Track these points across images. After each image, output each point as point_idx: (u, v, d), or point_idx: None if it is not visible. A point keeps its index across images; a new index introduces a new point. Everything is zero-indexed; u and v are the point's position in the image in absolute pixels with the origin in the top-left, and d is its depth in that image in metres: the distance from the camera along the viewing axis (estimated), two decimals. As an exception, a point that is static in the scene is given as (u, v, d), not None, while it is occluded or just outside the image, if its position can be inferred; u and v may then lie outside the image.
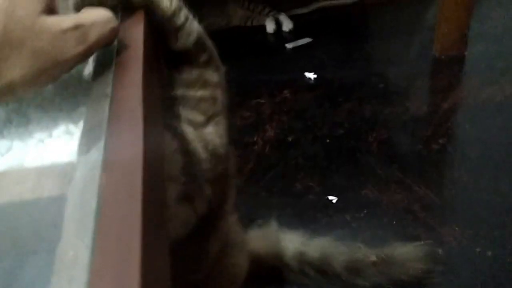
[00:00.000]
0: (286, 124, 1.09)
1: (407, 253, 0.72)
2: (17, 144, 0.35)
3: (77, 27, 0.36)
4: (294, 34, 1.62)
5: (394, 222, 0.79)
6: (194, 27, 0.50)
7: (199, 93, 0.51)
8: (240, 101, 1.23)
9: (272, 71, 1.41)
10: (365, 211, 0.81)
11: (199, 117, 0.51)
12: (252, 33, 1.69)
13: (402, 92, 1.19)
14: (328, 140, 1.01)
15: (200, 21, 0.51)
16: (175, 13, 0.47)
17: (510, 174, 0.87)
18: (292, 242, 0.73)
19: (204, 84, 0.51)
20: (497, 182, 0.86)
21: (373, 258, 0.70)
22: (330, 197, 0.84)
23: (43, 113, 0.38)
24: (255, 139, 1.06)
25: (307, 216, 0.81)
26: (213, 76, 0.52)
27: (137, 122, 0.27)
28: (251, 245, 0.69)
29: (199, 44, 0.50)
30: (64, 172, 0.27)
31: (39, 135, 0.35)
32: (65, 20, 0.36)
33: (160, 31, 0.47)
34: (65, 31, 0.35)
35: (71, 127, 0.36)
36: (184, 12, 0.49)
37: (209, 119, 0.52)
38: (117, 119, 0.28)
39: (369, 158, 0.94)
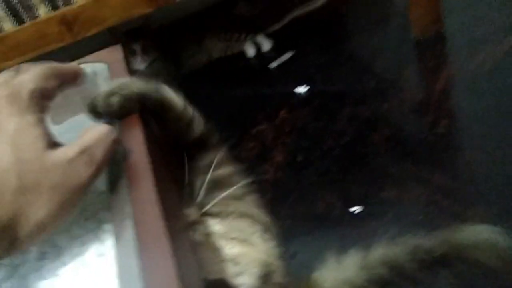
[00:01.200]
0: (292, 145, 1.11)
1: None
2: (56, 283, 0.36)
3: (82, 152, 0.38)
4: (275, 52, 1.64)
5: (421, 218, 0.80)
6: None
7: (221, 171, 0.53)
8: (241, 133, 1.24)
9: (263, 94, 1.43)
10: (390, 214, 0.82)
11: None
12: (234, 61, 1.71)
13: (394, 84, 1.20)
14: (336, 151, 1.03)
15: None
16: (185, 107, 0.50)
17: None
18: (349, 268, 0.72)
19: (222, 161, 0.53)
20: (510, 151, 0.86)
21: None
22: (353, 208, 0.85)
23: (71, 239, 0.40)
24: (265, 168, 1.07)
25: (337, 234, 0.82)
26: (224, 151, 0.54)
27: (166, 251, 0.29)
28: None
29: (208, 127, 0.53)
30: None
31: (74, 266, 0.37)
32: (69, 148, 0.38)
33: (171, 128, 0.50)
34: (73, 160, 0.37)
35: (102, 248, 0.38)
36: (188, 105, 0.52)
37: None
38: (147, 247, 0.30)
39: (380, 160, 0.95)
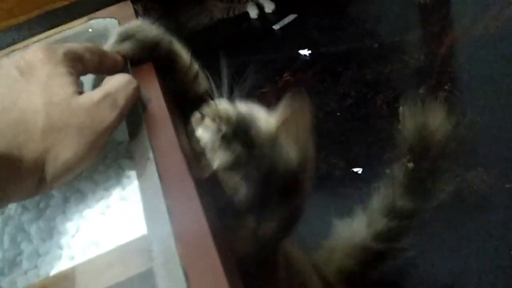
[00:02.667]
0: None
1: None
2: (83, 223, 0.38)
3: (106, 96, 0.39)
4: (278, 14, 1.63)
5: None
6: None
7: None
8: (246, 95, 1.24)
9: (266, 56, 1.43)
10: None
11: None
12: (237, 23, 1.70)
13: (398, 48, 1.20)
14: (339, 113, 1.04)
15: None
16: (191, 61, 0.51)
17: None
18: (358, 231, 0.75)
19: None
20: (510, 116, 0.88)
21: (410, 164, 0.69)
22: (355, 169, 0.87)
23: (94, 185, 0.41)
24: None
25: (339, 194, 0.84)
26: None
27: (191, 191, 0.30)
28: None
29: (210, 85, 0.53)
30: (142, 248, 0.30)
31: (99, 208, 0.38)
32: (94, 93, 0.39)
33: (178, 82, 0.50)
34: (98, 103, 0.38)
35: (124, 193, 0.39)
36: (194, 60, 0.52)
37: None
38: (171, 189, 0.31)
39: (383, 122, 0.96)
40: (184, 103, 0.51)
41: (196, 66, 0.51)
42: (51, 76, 0.39)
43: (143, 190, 0.34)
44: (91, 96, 0.39)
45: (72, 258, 0.36)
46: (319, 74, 1.20)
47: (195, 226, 0.28)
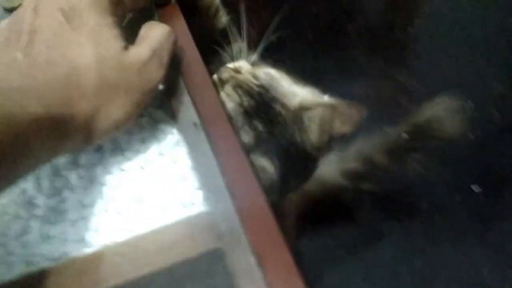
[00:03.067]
0: (267, 21, 1.10)
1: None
2: (123, 176, 0.38)
3: (153, 55, 0.38)
4: None
5: (384, 115, 0.87)
6: None
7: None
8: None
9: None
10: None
11: None
12: None
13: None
14: (311, 37, 1.04)
15: None
16: None
17: (485, 50, 0.94)
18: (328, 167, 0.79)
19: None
20: (472, 59, 0.93)
21: (404, 135, 0.76)
22: (327, 98, 0.90)
23: (128, 135, 0.41)
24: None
25: None
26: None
27: (245, 166, 0.31)
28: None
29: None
30: (207, 224, 0.31)
31: (138, 162, 0.38)
32: (142, 51, 0.38)
33: (200, 17, 0.49)
34: (146, 62, 0.37)
35: (160, 148, 0.39)
36: None
37: None
38: (228, 166, 0.32)
39: (353, 51, 0.99)
40: (203, 43, 0.50)
41: (217, 1, 0.50)
42: (100, 27, 0.37)
43: (195, 161, 0.35)
44: (140, 54, 0.37)
45: (119, 213, 0.37)
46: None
47: (260, 210, 0.29)
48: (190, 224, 0.33)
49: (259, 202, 0.29)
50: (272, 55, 1.06)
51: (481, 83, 0.90)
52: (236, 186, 0.30)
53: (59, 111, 0.35)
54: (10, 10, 0.55)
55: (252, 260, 0.27)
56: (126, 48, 0.37)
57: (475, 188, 0.74)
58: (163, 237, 0.34)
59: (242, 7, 0.51)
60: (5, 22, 0.38)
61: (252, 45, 1.06)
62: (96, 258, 0.34)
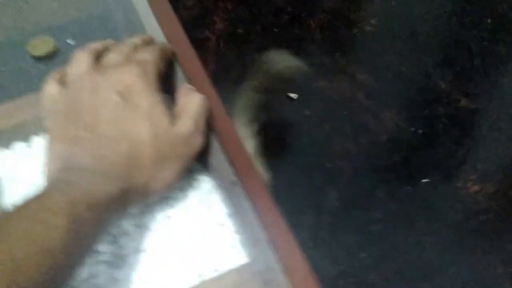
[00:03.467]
0: (233, 13, 1.15)
1: None
2: (171, 222, 0.44)
3: (195, 125, 0.43)
4: None
5: (345, 113, 0.95)
6: None
7: None
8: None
9: None
10: (321, 104, 0.96)
11: None
12: None
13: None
14: (275, 30, 1.10)
15: None
16: None
17: (434, 55, 1.03)
18: None
19: None
20: (422, 62, 1.02)
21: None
22: (291, 94, 0.97)
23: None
24: (206, 34, 1.12)
25: (272, 116, 0.95)
26: None
27: (281, 223, 0.37)
28: None
29: None
30: (253, 273, 0.37)
31: (181, 209, 0.44)
32: (186, 123, 0.43)
33: None
34: (190, 134, 0.43)
35: (199, 196, 0.45)
36: None
37: None
38: (266, 221, 0.38)
39: (315, 47, 1.05)
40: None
41: None
42: (152, 107, 0.42)
43: (238, 215, 0.41)
44: (185, 126, 0.43)
45: (172, 256, 0.41)
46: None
47: (297, 262, 0.36)
48: (240, 272, 0.40)
49: (296, 254, 0.36)
50: (240, 47, 1.12)
51: (428, 80, 1.00)
52: (276, 242, 0.37)
53: (126, 184, 0.40)
54: (37, 58, 0.57)
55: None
56: (173, 122, 0.43)
57: (424, 180, 0.84)
58: (222, 284, 0.40)
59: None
60: (61, 97, 0.42)
61: (219, 37, 1.10)
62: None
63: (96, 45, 0.45)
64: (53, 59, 0.59)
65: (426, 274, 0.76)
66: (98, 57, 0.45)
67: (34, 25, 0.62)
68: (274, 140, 0.92)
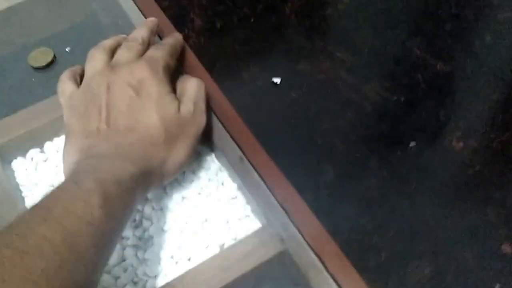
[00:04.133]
0: (209, 9, 1.18)
1: None
2: (187, 202, 0.47)
3: (196, 107, 0.47)
4: None
5: (329, 91, 1.00)
6: None
7: None
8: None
9: None
10: (305, 85, 1.00)
11: None
12: None
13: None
14: (252, 20, 1.13)
15: None
16: None
17: (407, 25, 1.08)
18: None
19: None
20: (396, 34, 1.07)
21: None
22: (275, 79, 1.01)
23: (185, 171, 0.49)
24: (186, 32, 1.15)
25: (261, 103, 0.99)
26: None
27: (291, 189, 0.41)
28: None
29: None
30: (272, 234, 0.41)
31: (195, 189, 0.47)
32: (187, 105, 0.47)
33: None
34: (194, 114, 0.47)
35: (209, 175, 0.48)
36: None
37: None
38: (277, 188, 0.41)
39: (293, 31, 1.09)
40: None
41: None
42: (161, 95, 0.46)
43: (248, 187, 0.44)
44: (188, 108, 0.47)
45: (195, 233, 0.45)
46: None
47: (309, 219, 0.40)
48: (258, 236, 0.43)
49: (306, 211, 0.40)
50: (220, 41, 1.15)
51: (403, 50, 1.04)
52: (286, 203, 0.41)
53: (144, 164, 0.44)
54: (37, 69, 0.60)
55: (312, 255, 0.37)
56: (178, 106, 0.47)
57: (411, 143, 0.88)
58: (241, 249, 0.44)
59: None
60: (79, 94, 0.45)
61: (199, 34, 1.14)
62: (194, 271, 0.44)
63: (109, 42, 0.49)
64: (52, 68, 0.62)
65: (425, 230, 0.80)
66: (112, 53, 0.49)
67: (33, 38, 0.64)
68: (263, 125, 0.95)
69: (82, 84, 0.47)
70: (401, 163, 0.89)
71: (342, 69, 1.02)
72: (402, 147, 0.92)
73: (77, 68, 0.49)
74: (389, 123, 0.94)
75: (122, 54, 0.49)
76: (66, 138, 0.47)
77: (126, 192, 0.43)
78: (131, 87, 0.47)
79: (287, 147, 0.94)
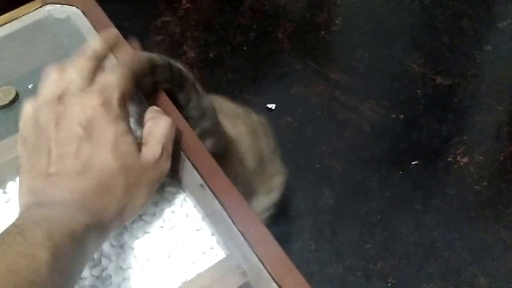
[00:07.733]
0: (201, 40, 1.17)
1: None
2: (148, 238, 0.45)
3: (163, 150, 0.44)
4: None
5: (325, 112, 0.97)
6: None
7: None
8: (145, 24, 1.25)
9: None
10: (300, 109, 0.97)
11: None
12: None
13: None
14: (245, 48, 1.12)
15: None
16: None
17: (403, 40, 1.05)
18: None
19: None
20: (392, 50, 1.04)
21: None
22: (269, 105, 0.98)
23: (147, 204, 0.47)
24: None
25: None
26: None
27: (255, 216, 0.38)
28: None
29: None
30: (232, 266, 0.38)
31: (157, 223, 0.45)
32: (154, 149, 0.44)
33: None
34: (158, 159, 0.44)
35: (173, 207, 0.46)
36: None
37: None
38: (238, 216, 0.39)
39: (286, 56, 1.07)
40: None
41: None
42: (117, 138, 0.43)
43: (209, 216, 0.42)
44: (153, 152, 0.44)
45: (155, 269, 0.43)
46: (219, 3, 1.24)
47: (272, 248, 0.37)
48: (219, 268, 0.40)
49: (268, 240, 0.37)
50: (213, 71, 1.13)
51: (400, 66, 1.01)
52: (248, 232, 0.38)
53: (98, 214, 0.41)
54: (2, 107, 0.59)
55: (275, 286, 0.34)
56: (140, 149, 0.44)
57: (413, 162, 0.84)
58: (201, 283, 0.41)
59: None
60: (29, 124, 0.43)
61: (192, 65, 1.12)
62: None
63: (61, 65, 0.45)
64: (15, 106, 0.60)
65: (433, 252, 0.76)
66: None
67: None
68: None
69: (33, 108, 0.44)
70: (403, 183, 0.85)
71: (337, 90, 0.99)
72: (403, 166, 0.88)
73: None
74: (389, 142, 0.90)
75: (70, 79, 0.43)
76: (19, 172, 0.44)
77: (79, 245, 0.40)
78: (81, 127, 0.43)
79: (284, 172, 0.91)
